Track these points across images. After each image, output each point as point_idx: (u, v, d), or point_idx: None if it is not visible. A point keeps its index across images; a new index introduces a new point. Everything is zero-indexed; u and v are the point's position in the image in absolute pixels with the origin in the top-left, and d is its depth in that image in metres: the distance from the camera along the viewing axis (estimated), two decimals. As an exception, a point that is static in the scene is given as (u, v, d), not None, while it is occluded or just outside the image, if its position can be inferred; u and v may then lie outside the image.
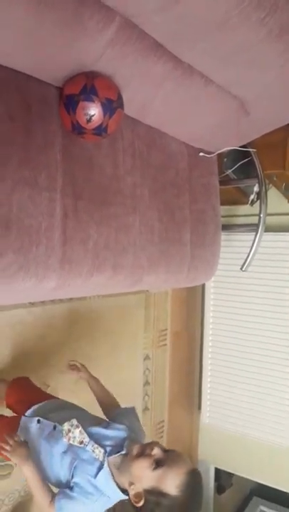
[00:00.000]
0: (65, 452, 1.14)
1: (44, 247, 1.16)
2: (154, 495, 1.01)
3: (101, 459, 1.11)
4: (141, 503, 1.02)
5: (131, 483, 1.06)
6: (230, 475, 3.22)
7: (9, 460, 1.30)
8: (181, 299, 2.65)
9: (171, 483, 1.01)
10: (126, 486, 1.07)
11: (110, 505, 1.12)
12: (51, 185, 1.18)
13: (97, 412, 1.34)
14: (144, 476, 1.04)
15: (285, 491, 2.62)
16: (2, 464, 1.62)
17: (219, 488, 3.18)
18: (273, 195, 2.40)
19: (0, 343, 1.61)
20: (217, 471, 3.05)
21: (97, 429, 1.18)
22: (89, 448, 1.12)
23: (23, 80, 1.13)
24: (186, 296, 2.71)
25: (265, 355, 2.42)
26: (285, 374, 2.37)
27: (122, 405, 1.37)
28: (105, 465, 1.10)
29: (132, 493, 1.06)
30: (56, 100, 1.20)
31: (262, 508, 3.40)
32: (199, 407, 2.75)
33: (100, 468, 1.10)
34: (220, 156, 1.93)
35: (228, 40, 1.09)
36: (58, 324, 1.83)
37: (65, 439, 1.13)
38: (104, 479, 1.09)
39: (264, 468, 2.62)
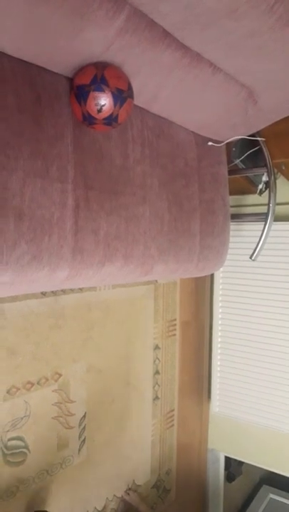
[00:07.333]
0: None
1: (56, 237, 1.17)
2: None
3: None
4: None
5: None
6: (240, 463, 3.25)
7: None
8: (189, 289, 2.66)
9: None
10: None
11: None
12: (63, 176, 1.19)
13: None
14: None
15: (294, 478, 2.65)
16: (16, 450, 1.65)
17: (229, 477, 3.21)
18: (282, 184, 2.40)
19: (12, 333, 1.63)
20: (227, 459, 3.08)
21: None
22: None
23: (34, 72, 1.13)
24: (195, 286, 2.72)
25: (274, 343, 2.43)
26: (295, 363, 2.38)
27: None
28: None
29: None
30: (67, 92, 1.20)
31: (272, 496, 3.43)
32: (209, 396, 2.78)
33: None
34: (228, 145, 1.93)
35: (237, 27, 1.09)
36: (69, 314, 1.85)
37: None
38: None
39: (274, 457, 2.64)
